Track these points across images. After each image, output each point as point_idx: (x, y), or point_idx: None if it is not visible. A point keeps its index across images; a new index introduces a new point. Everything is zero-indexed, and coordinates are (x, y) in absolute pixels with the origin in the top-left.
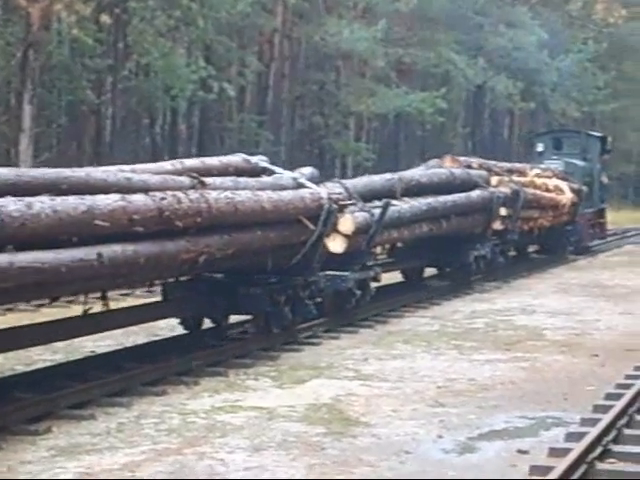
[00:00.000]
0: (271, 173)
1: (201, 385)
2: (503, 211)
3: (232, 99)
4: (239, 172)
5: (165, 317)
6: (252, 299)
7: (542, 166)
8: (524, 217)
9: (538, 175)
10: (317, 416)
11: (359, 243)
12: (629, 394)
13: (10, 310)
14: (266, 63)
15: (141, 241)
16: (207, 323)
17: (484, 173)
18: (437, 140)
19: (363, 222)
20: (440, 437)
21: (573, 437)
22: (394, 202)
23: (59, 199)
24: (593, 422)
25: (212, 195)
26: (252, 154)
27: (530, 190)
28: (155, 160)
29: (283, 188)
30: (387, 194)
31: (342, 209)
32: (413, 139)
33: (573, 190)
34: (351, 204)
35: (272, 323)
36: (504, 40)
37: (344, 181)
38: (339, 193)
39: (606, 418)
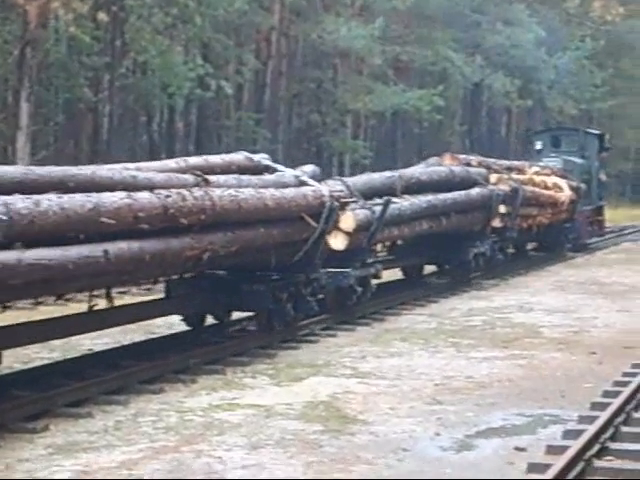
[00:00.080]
0: (273, 171)
1: (199, 383)
2: (502, 209)
3: (229, 97)
4: (242, 170)
5: (168, 314)
6: (255, 296)
7: (541, 164)
8: (523, 214)
9: (537, 173)
10: (315, 414)
11: (360, 240)
12: (627, 391)
13: (8, 308)
14: (263, 61)
15: (146, 238)
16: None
17: (483, 171)
18: (434, 138)
19: (364, 219)
20: (437, 435)
21: (571, 435)
22: (394, 200)
23: (66, 197)
24: (591, 419)
25: (216, 193)
26: (253, 152)
27: (529, 188)
28: (153, 158)
29: (285, 186)
30: (387, 192)
31: (343, 207)
32: (410, 137)
33: (572, 188)
34: (352, 202)
35: (274, 320)
36: (501, 38)
37: (345, 179)
38: (340, 191)
39: (604, 416)
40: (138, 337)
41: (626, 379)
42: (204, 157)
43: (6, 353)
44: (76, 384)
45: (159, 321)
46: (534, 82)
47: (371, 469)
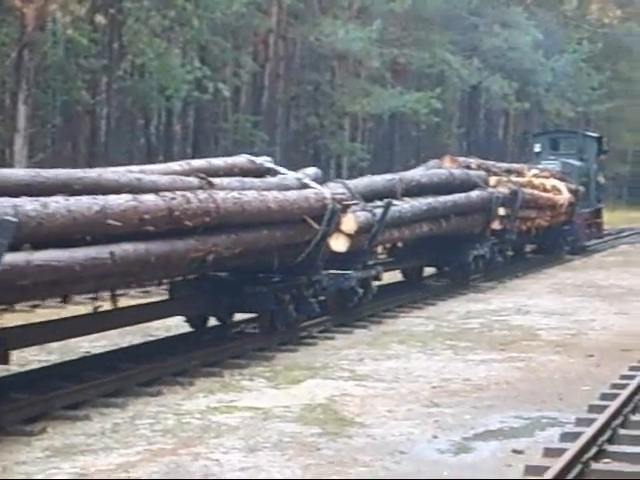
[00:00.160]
0: (275, 173)
1: (196, 386)
2: (502, 211)
3: (227, 99)
4: (244, 172)
5: (172, 315)
6: (257, 298)
7: (540, 166)
8: (522, 217)
9: (536, 175)
10: (312, 416)
11: (361, 242)
12: (624, 394)
13: (5, 310)
14: (261, 63)
15: (152, 240)
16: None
17: (483, 173)
18: (432, 140)
19: (365, 222)
20: (435, 437)
21: (568, 437)
22: (395, 202)
23: (73, 199)
24: (588, 422)
25: (220, 195)
26: (251, 154)
27: (528, 190)
28: (150, 160)
29: (288, 188)
30: (388, 194)
31: (345, 209)
32: (408, 139)
33: (570, 190)
34: (354, 204)
35: (277, 321)
36: (499, 40)
37: (346, 181)
38: (342, 193)
39: (601, 418)
40: (136, 340)
41: (624, 382)
42: (207, 160)
43: None
44: (74, 387)
45: (157, 324)
46: (531, 85)
47: (369, 472)
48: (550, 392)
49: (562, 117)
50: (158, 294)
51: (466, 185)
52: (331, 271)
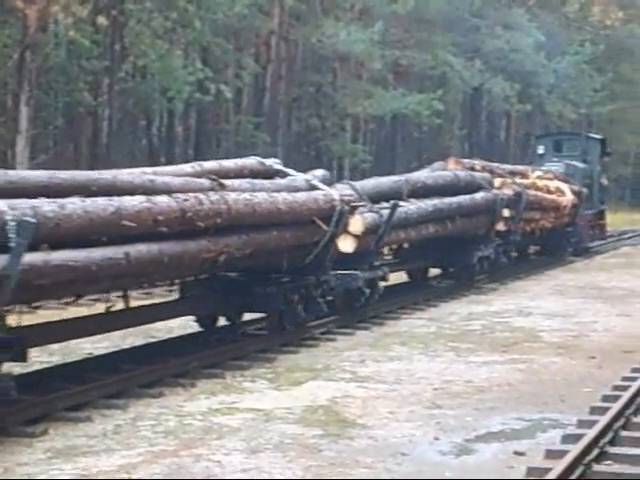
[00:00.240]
0: (284, 175)
1: (198, 387)
2: (506, 212)
3: (229, 101)
4: (254, 174)
5: (183, 315)
6: (267, 298)
7: (543, 168)
8: (526, 218)
9: (540, 177)
10: (314, 418)
11: (368, 243)
12: (626, 396)
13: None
14: (263, 65)
15: (165, 241)
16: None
17: (487, 175)
18: (434, 142)
19: (372, 223)
20: (437, 439)
21: (570, 439)
22: (401, 203)
23: (89, 200)
24: (590, 424)
25: (231, 196)
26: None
27: (532, 192)
28: (152, 162)
29: (297, 190)
30: (394, 196)
31: (353, 210)
32: (410, 141)
33: (574, 192)
34: (361, 205)
35: (286, 321)
36: (501, 42)
37: (353, 183)
38: (350, 195)
39: (603, 420)
40: (138, 341)
41: (625, 383)
42: (218, 161)
43: None
44: (76, 388)
45: (159, 325)
46: (533, 86)
47: (370, 473)
48: (552, 394)
49: (564, 119)
50: (160, 295)
51: (471, 187)
52: (339, 271)
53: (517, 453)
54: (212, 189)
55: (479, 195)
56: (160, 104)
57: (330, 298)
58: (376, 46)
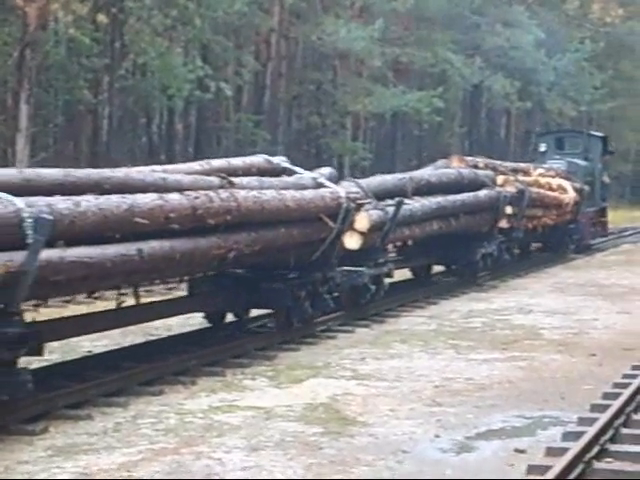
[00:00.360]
0: (291, 173)
1: (198, 385)
2: (509, 210)
3: (229, 99)
4: (261, 172)
5: (192, 311)
6: (274, 294)
7: (545, 166)
8: (529, 215)
9: (542, 174)
10: (314, 416)
11: (374, 240)
12: (626, 393)
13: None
14: (263, 63)
15: (177, 238)
16: (200, 323)
17: (490, 173)
18: (434, 140)
19: (378, 220)
20: (437, 436)
21: (570, 436)
22: (406, 201)
23: (103, 198)
24: (590, 421)
25: (240, 194)
26: (254, 154)
27: (534, 189)
28: (152, 159)
29: (304, 188)
30: (399, 193)
31: (359, 208)
32: (410, 139)
33: (576, 189)
34: (367, 203)
35: (293, 317)
36: (501, 39)
37: (359, 180)
38: (356, 192)
39: (603, 417)
40: (138, 339)
41: (626, 381)
42: (226, 159)
43: None
44: (76, 386)
45: (157, 323)
46: (533, 84)
47: (371, 471)
48: (552, 391)
49: (564, 116)
50: (159, 293)
51: (474, 184)
52: (345, 268)
53: (517, 451)
54: (222, 187)
55: (482, 192)
56: (160, 102)
57: (336, 294)
58: (376, 44)
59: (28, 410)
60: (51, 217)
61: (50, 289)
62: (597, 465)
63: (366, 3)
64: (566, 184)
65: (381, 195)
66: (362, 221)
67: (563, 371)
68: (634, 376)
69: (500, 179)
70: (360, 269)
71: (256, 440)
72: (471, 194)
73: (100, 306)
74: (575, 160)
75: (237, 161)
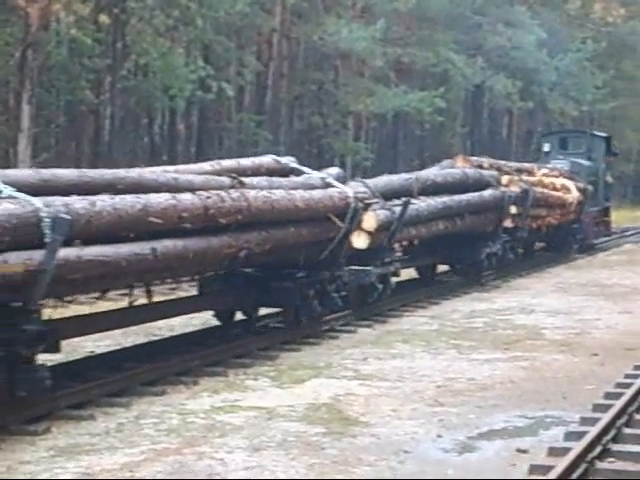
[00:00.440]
0: (299, 173)
1: (200, 385)
2: (513, 209)
3: (231, 99)
4: (270, 172)
5: (202, 310)
6: (283, 293)
7: (549, 166)
8: (533, 215)
9: (546, 174)
10: (316, 416)
11: (381, 240)
12: (629, 393)
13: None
14: (265, 63)
15: (189, 237)
16: (203, 323)
17: (495, 173)
18: (436, 140)
19: (385, 220)
20: (439, 436)
21: (573, 436)
22: (412, 201)
23: (118, 198)
24: (593, 421)
25: (251, 194)
26: (254, 154)
27: (539, 189)
28: (154, 160)
29: (313, 187)
30: (405, 193)
31: (366, 207)
32: (412, 139)
33: (579, 189)
34: (375, 203)
35: (302, 315)
36: (503, 39)
37: (366, 180)
38: (363, 192)
39: (605, 417)
40: (140, 339)
41: (628, 381)
42: (236, 160)
43: None
44: (78, 386)
45: (160, 323)
46: (535, 84)
47: (373, 471)
48: (554, 391)
49: (566, 116)
50: (161, 294)
51: (479, 184)
52: (352, 267)
53: (520, 451)
54: (232, 187)
55: (487, 192)
56: (162, 102)
57: (344, 293)
58: (378, 44)
59: (31, 410)
60: (68, 217)
61: (67, 287)
62: (599, 465)
63: (368, 3)
64: (570, 184)
65: (388, 195)
66: (370, 221)
67: (565, 371)
68: (636, 376)
69: (505, 179)
70: (367, 268)
71: (258, 440)
72: (476, 194)
73: (102, 306)
74: (578, 160)
75: (246, 161)
